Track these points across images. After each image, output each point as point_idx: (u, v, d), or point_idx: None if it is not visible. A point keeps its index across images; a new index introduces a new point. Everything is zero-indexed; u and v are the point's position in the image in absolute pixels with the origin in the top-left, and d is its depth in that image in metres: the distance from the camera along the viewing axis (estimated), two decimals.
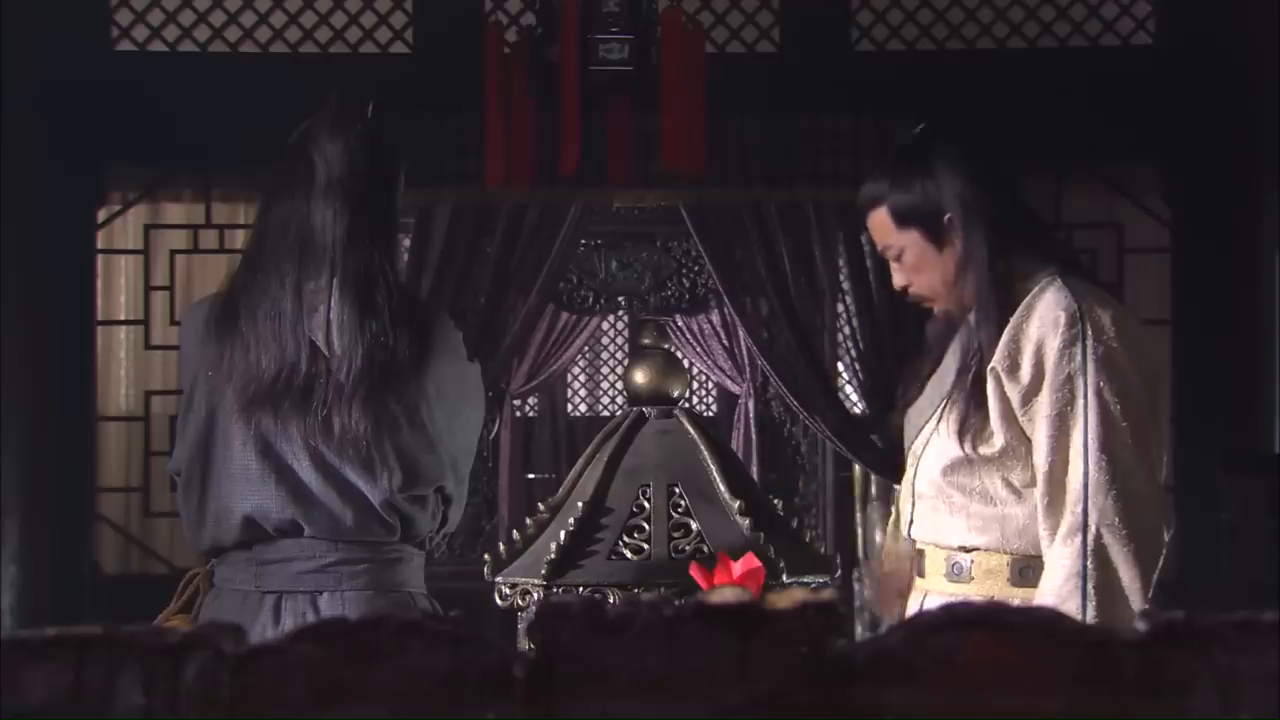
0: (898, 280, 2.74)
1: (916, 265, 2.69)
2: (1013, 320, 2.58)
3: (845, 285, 6.20)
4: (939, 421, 2.67)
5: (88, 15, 6.19)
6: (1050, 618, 0.93)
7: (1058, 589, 2.49)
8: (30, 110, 5.78)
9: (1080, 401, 2.50)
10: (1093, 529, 2.48)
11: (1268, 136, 5.93)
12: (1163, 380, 2.72)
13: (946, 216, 2.64)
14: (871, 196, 2.73)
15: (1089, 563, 2.47)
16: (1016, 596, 2.56)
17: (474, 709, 0.92)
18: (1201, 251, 6.22)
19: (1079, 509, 2.49)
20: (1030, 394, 2.55)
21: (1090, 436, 2.49)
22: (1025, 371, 2.55)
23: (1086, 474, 2.49)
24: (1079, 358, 2.51)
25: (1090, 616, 2.45)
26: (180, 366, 2.84)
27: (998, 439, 2.58)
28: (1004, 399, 2.57)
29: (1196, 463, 6.00)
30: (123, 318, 6.50)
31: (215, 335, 2.67)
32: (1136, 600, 2.48)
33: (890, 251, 2.72)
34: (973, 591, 2.60)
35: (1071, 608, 2.45)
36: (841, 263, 6.21)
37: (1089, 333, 2.51)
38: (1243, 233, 6.15)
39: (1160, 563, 2.54)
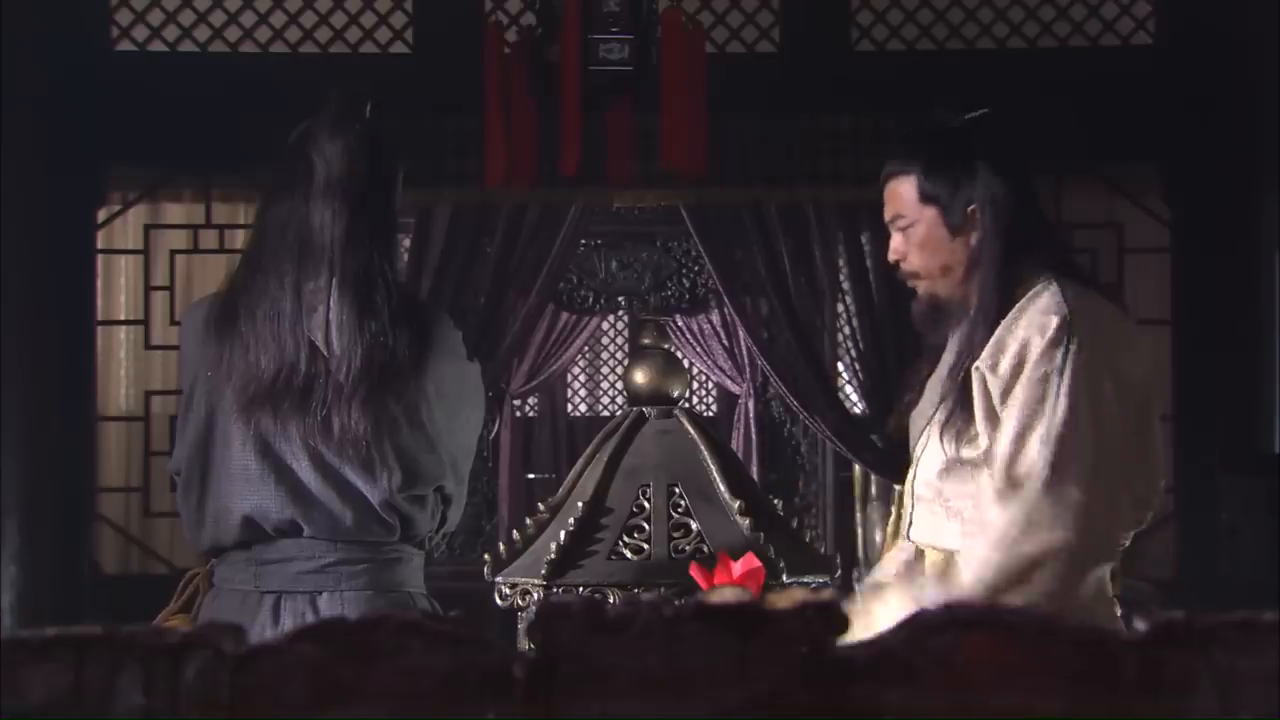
0: (895, 252, 2.71)
1: (923, 243, 2.66)
2: (1004, 322, 2.57)
3: (845, 285, 6.20)
4: (933, 422, 2.67)
5: (88, 15, 6.19)
6: (1049, 618, 0.93)
7: (971, 568, 2.47)
8: (30, 110, 5.77)
9: (1050, 401, 2.47)
10: (1014, 529, 2.44)
11: (1268, 136, 5.93)
12: (1157, 393, 2.68)
13: (971, 208, 2.63)
14: (901, 167, 2.69)
15: (998, 558, 2.44)
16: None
17: (474, 709, 0.92)
18: (1201, 251, 6.22)
19: (1020, 501, 2.46)
20: (1007, 389, 2.52)
21: (1051, 435, 2.46)
22: (1005, 367, 2.53)
23: (1037, 470, 2.46)
24: (1058, 359, 2.48)
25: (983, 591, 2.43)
26: (180, 366, 2.84)
27: (982, 440, 2.57)
28: (987, 397, 2.55)
29: (1196, 463, 6.00)
30: (123, 318, 6.50)
31: (215, 335, 2.67)
32: (1026, 593, 2.42)
33: (901, 222, 2.68)
34: None
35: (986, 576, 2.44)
36: (841, 263, 6.21)
37: (1074, 338, 2.49)
38: (1243, 233, 6.15)
39: (1088, 585, 2.45)
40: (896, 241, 2.70)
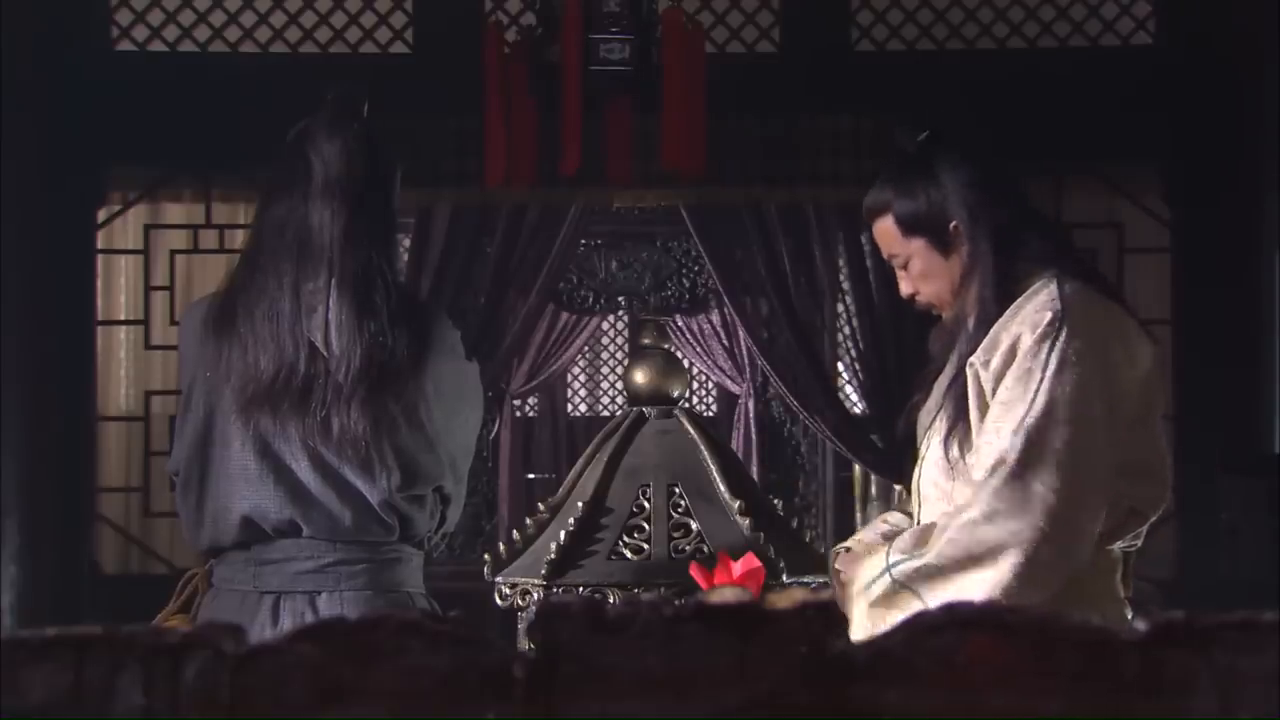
0: (905, 289, 2.71)
1: (924, 273, 2.66)
2: (1001, 320, 2.57)
3: (845, 285, 6.20)
4: (935, 427, 2.67)
5: (88, 15, 6.19)
6: (1049, 618, 0.93)
7: (932, 550, 2.47)
8: (30, 110, 5.77)
9: (1030, 394, 2.46)
10: (976, 511, 2.44)
11: (1268, 136, 5.93)
12: (1159, 390, 2.66)
13: (952, 224, 2.62)
14: (876, 205, 2.69)
15: (956, 539, 2.44)
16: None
17: (474, 709, 0.92)
18: (1201, 251, 6.22)
19: (989, 488, 2.44)
20: (997, 384, 2.52)
21: (1025, 426, 2.44)
22: (996, 363, 2.53)
23: (1009, 460, 2.44)
24: (1044, 354, 2.48)
25: (924, 597, 2.43)
26: (179, 366, 2.84)
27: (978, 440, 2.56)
28: (981, 395, 2.55)
29: (1196, 463, 6.00)
30: (123, 318, 6.50)
31: (213, 335, 2.67)
32: (986, 576, 2.42)
33: (897, 260, 2.69)
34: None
35: (913, 574, 2.45)
36: (841, 263, 6.21)
37: (1063, 333, 2.49)
38: (1243, 233, 6.15)
39: (1047, 587, 2.42)
40: (901, 278, 2.71)
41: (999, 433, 2.46)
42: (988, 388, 2.53)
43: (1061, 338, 2.48)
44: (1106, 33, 6.32)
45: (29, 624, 5.55)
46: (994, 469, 2.44)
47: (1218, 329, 6.13)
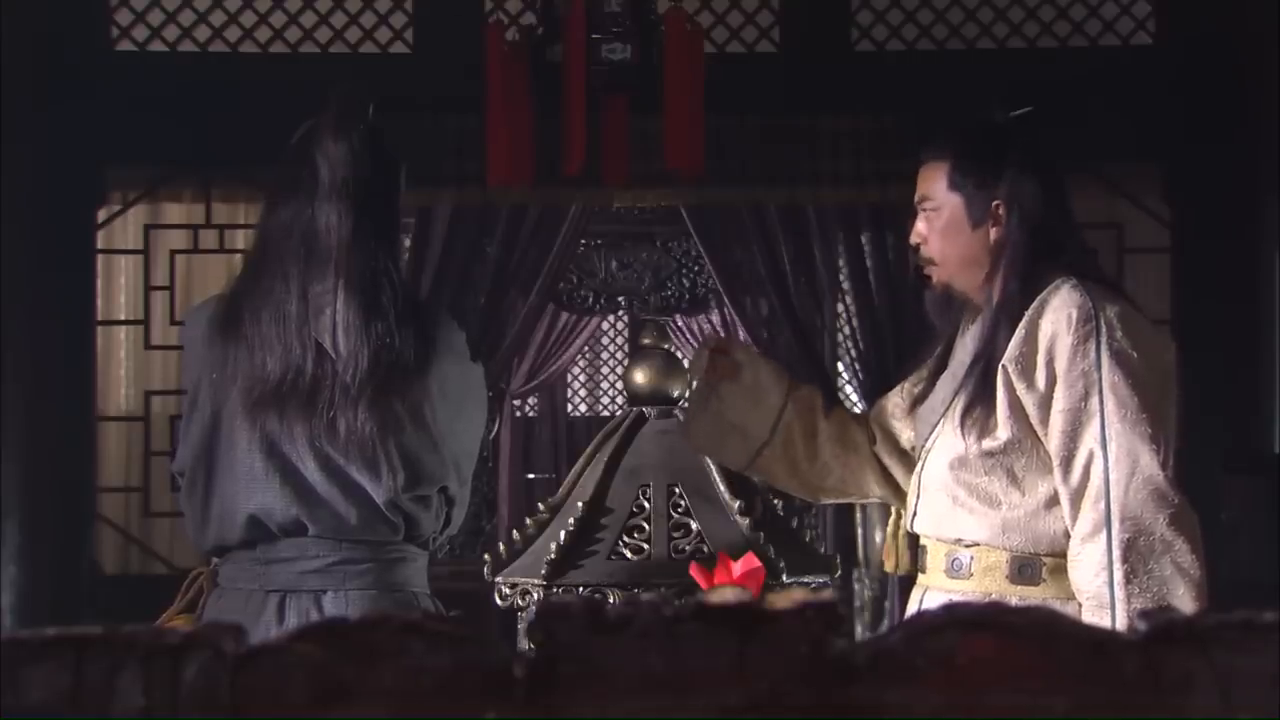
0: (917, 235, 2.74)
1: (944, 230, 2.69)
2: (1026, 316, 2.60)
3: (845, 285, 6.20)
4: (948, 416, 2.68)
5: (87, 15, 6.18)
6: (1050, 618, 0.93)
7: (1088, 585, 2.49)
8: (30, 110, 5.77)
9: (1095, 398, 2.52)
10: (1116, 523, 2.49)
11: (1268, 136, 5.93)
12: (1172, 381, 2.73)
13: (996, 203, 2.66)
14: (940, 150, 2.72)
15: (1116, 557, 2.47)
16: (1014, 595, 2.57)
17: (474, 709, 0.92)
18: (1201, 251, 6.22)
19: (1101, 505, 2.50)
20: (1047, 394, 2.56)
21: (1108, 431, 2.50)
22: (1040, 373, 2.56)
23: (1107, 469, 2.51)
24: (1093, 353, 2.53)
25: (1126, 611, 2.44)
26: (183, 367, 2.84)
27: (1002, 432, 2.59)
28: (1012, 391, 2.58)
29: (1197, 462, 5.99)
30: (123, 318, 6.50)
31: (220, 337, 2.67)
32: (1194, 572, 2.49)
33: (928, 204, 2.72)
34: (971, 588, 2.61)
35: (1105, 601, 2.46)
36: (841, 263, 6.21)
37: (1102, 329, 2.54)
38: (1243, 233, 6.15)
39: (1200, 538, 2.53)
40: (920, 224, 2.74)
41: (1078, 443, 2.53)
42: (1026, 395, 2.57)
43: (1102, 334, 2.54)
44: (1106, 33, 6.32)
45: (29, 624, 5.55)
46: (1104, 486, 2.52)
47: (1218, 329, 6.12)
